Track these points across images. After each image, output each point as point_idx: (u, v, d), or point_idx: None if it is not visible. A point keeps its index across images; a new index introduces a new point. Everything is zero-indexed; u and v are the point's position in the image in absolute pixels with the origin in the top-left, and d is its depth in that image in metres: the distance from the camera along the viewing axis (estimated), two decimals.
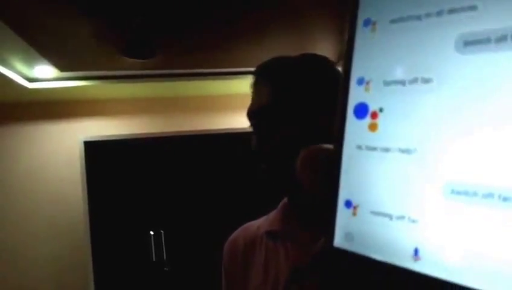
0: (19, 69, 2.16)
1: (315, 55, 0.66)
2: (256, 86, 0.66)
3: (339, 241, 0.22)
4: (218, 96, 2.76)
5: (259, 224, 0.74)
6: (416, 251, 0.19)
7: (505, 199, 0.16)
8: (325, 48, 2.04)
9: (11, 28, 1.62)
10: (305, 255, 0.61)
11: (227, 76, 2.31)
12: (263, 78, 0.65)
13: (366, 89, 0.22)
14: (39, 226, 2.72)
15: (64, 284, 2.69)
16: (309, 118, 0.60)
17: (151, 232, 2.62)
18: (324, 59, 0.66)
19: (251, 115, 0.65)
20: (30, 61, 2.06)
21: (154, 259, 2.60)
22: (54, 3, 1.45)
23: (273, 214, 0.73)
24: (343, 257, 0.22)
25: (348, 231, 0.22)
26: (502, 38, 0.17)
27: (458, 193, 0.18)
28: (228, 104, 2.67)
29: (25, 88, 2.31)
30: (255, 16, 1.65)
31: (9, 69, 2.10)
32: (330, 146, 0.23)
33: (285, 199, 0.71)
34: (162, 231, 2.62)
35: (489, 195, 0.17)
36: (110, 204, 2.62)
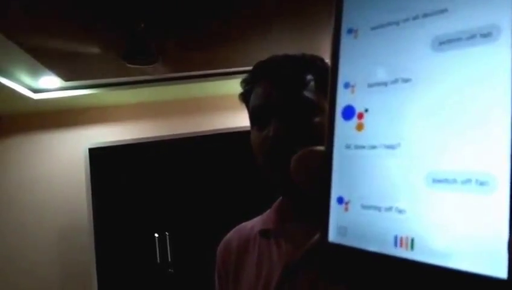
0: (24, 81, 2.21)
1: (313, 56, 0.67)
2: (253, 84, 0.66)
3: (333, 236, 0.22)
4: (220, 97, 2.80)
5: (253, 224, 0.74)
6: (404, 239, 0.20)
7: (481, 184, 0.17)
8: (325, 48, 2.07)
9: (15, 42, 1.67)
10: (299, 253, 0.60)
11: (229, 76, 2.35)
12: (260, 76, 0.65)
13: (352, 92, 0.23)
14: (46, 231, 2.78)
15: (69, 287, 2.75)
16: (303, 117, 0.60)
17: (156, 235, 2.65)
18: (321, 60, 0.67)
19: (252, 112, 0.66)
20: (35, 73, 2.11)
21: (159, 261, 2.63)
22: (56, 16, 1.50)
23: (267, 214, 0.73)
24: (338, 250, 0.22)
25: (341, 226, 0.22)
26: (471, 37, 0.18)
27: (439, 181, 0.19)
28: (231, 104, 2.69)
29: (31, 99, 2.36)
30: (254, 16, 1.69)
31: (14, 82, 2.16)
32: (322, 148, 0.24)
33: (280, 199, 0.71)
34: (166, 233, 2.65)
35: (467, 181, 0.18)
36: (115, 207, 2.65)
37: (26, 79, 2.19)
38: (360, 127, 0.22)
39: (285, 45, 1.98)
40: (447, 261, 0.18)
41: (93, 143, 2.66)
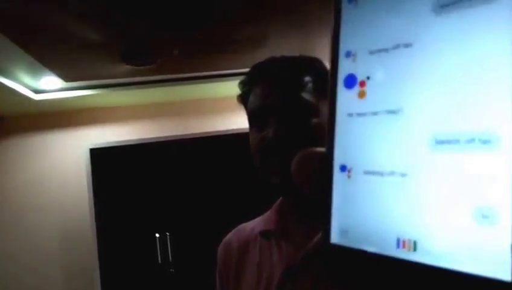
0: (25, 81, 2.22)
1: (311, 57, 0.67)
2: (251, 85, 0.66)
3: (335, 237, 0.22)
4: (220, 99, 2.82)
5: (253, 225, 0.74)
6: (406, 241, 0.19)
7: (484, 142, 0.17)
8: (322, 48, 2.08)
9: (16, 43, 1.69)
10: (299, 253, 0.61)
11: (229, 78, 2.36)
12: (258, 77, 0.66)
13: (354, 61, 0.23)
14: (48, 232, 2.79)
15: (72, 287, 2.76)
16: (301, 118, 0.60)
17: (157, 235, 2.67)
18: (319, 62, 0.67)
19: (250, 114, 0.66)
20: (36, 74, 2.13)
21: (160, 261, 2.65)
22: (56, 17, 1.51)
23: (267, 215, 0.73)
24: (340, 252, 0.22)
25: (343, 228, 0.22)
26: None
27: (442, 142, 0.19)
28: (230, 106, 2.72)
29: (32, 100, 2.38)
30: (252, 18, 1.70)
31: (16, 82, 2.17)
32: (322, 149, 0.24)
33: (280, 199, 0.71)
34: (167, 234, 2.67)
35: (470, 140, 0.18)
36: (116, 208, 2.67)
37: (27, 80, 2.20)
38: (362, 94, 0.22)
39: (282, 46, 1.99)
40: (450, 263, 0.18)
41: (94, 143, 2.68)
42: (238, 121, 2.54)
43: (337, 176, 0.23)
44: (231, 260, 0.72)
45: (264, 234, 0.69)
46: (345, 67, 0.23)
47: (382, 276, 0.20)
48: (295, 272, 0.61)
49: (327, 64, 0.66)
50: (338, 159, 0.23)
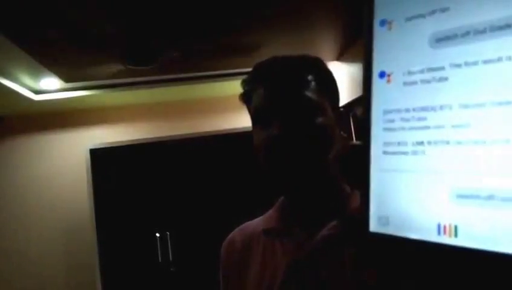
0: (25, 82, 2.22)
1: (313, 57, 0.67)
2: (254, 84, 0.66)
3: (374, 226, 0.22)
4: (219, 98, 2.83)
5: (256, 223, 0.74)
6: (447, 227, 0.19)
7: None
8: (325, 48, 2.09)
9: (17, 44, 1.69)
10: (303, 251, 0.61)
11: (228, 77, 2.37)
12: (261, 77, 0.65)
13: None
14: (49, 232, 2.80)
15: (72, 286, 2.77)
16: (305, 117, 0.60)
17: (157, 235, 2.68)
18: (321, 61, 0.67)
19: (252, 114, 0.66)
20: (36, 75, 2.12)
21: (160, 260, 2.66)
22: (56, 18, 1.52)
23: (269, 213, 0.73)
24: (379, 240, 0.22)
25: (382, 216, 0.21)
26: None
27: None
28: (230, 105, 2.74)
29: (32, 100, 2.38)
30: (254, 18, 1.69)
31: (16, 83, 2.17)
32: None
33: (282, 198, 0.71)
34: (167, 233, 2.68)
35: None
36: (116, 208, 2.67)
37: (28, 81, 2.21)
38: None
39: (284, 46, 2.00)
40: (493, 245, 0.18)
41: (94, 144, 2.69)
42: (238, 121, 2.56)
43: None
44: (235, 258, 0.72)
45: (267, 232, 0.69)
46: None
47: (423, 262, 0.20)
48: (298, 269, 0.61)
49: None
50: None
